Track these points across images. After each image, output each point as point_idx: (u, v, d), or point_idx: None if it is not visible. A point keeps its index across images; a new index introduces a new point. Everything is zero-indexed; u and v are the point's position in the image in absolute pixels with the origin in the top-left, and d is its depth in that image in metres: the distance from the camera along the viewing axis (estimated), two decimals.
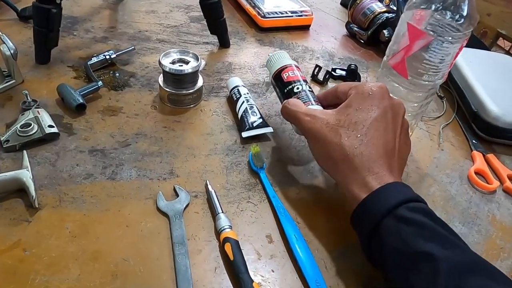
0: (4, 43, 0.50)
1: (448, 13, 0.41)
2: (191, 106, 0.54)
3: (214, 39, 0.70)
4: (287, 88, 0.48)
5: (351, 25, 0.81)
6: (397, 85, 0.48)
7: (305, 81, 0.48)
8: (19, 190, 0.38)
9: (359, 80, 0.66)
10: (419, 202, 0.34)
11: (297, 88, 0.47)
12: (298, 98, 0.46)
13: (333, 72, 0.66)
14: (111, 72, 0.59)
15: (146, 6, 0.80)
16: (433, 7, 0.41)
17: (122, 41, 0.67)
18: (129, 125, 0.49)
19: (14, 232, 0.35)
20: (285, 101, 0.45)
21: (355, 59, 0.73)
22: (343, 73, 0.66)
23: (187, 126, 0.51)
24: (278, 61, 0.51)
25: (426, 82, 0.45)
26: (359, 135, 0.37)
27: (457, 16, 0.41)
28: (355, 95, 0.39)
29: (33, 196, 0.37)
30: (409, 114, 0.49)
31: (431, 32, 0.41)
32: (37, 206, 0.37)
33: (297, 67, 0.50)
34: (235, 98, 0.54)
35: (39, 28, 0.54)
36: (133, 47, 0.62)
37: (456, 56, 0.43)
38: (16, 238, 0.35)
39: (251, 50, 0.71)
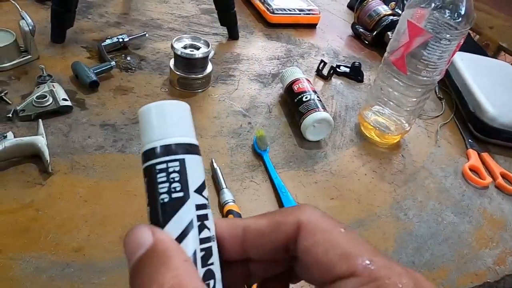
0: (24, 19, 0.52)
1: (447, 11, 0.43)
2: (200, 90, 0.56)
3: (224, 30, 0.73)
4: (297, 98, 0.52)
5: (357, 26, 0.83)
6: (397, 80, 0.50)
7: (314, 91, 0.53)
8: (34, 156, 0.40)
9: (362, 78, 0.68)
10: None
11: (306, 98, 0.52)
12: (306, 105, 0.51)
13: (337, 68, 0.68)
14: (123, 55, 0.61)
15: None
16: (432, 5, 0.44)
17: (134, 27, 0.69)
18: (140, 104, 0.51)
19: (28, 194, 0.37)
20: None
21: (359, 58, 0.76)
22: (347, 70, 0.68)
23: (195, 109, 0.53)
24: (290, 75, 0.56)
25: (425, 78, 0.47)
26: None
27: (455, 15, 0.43)
28: None
29: (47, 160, 0.38)
30: (408, 109, 0.52)
31: (430, 30, 0.44)
32: (50, 171, 0.39)
33: (307, 80, 0.55)
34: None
35: (57, 8, 0.56)
36: (145, 33, 0.64)
37: (454, 53, 0.45)
38: (29, 199, 0.37)
39: (259, 44, 0.73)
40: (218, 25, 0.72)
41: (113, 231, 0.36)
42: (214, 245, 0.17)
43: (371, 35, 0.79)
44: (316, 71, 0.67)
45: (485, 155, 0.56)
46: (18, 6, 0.53)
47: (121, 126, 0.47)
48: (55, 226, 0.35)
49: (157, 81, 0.56)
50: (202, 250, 0.16)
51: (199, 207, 0.17)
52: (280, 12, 0.79)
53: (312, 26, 0.84)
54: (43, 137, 0.40)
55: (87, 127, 0.46)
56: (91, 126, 0.46)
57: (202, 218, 0.17)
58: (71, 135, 0.44)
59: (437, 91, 0.69)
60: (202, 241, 0.16)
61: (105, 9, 0.72)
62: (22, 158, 0.40)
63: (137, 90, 0.54)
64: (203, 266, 0.16)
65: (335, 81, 0.67)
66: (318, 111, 0.50)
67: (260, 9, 0.81)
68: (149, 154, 0.17)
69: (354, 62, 0.68)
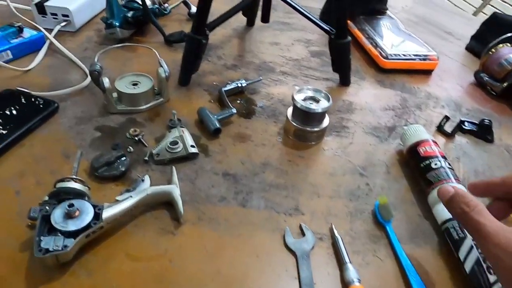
0: (162, 66, 0.57)
1: None
2: (313, 143, 0.55)
3: (334, 76, 0.71)
4: (424, 163, 0.48)
5: (482, 74, 0.75)
6: None
7: (443, 157, 0.48)
8: (166, 202, 0.43)
9: (492, 138, 0.61)
10: None
11: (435, 164, 0.47)
12: (436, 174, 0.46)
13: (462, 125, 0.61)
14: (239, 99, 0.63)
15: (270, 37, 0.85)
16: None
17: (249, 70, 0.71)
18: (257, 154, 0.52)
19: (162, 242, 0.39)
20: (460, 195, 0.33)
21: (485, 112, 0.68)
22: (474, 127, 0.61)
23: (311, 163, 0.52)
24: (414, 134, 0.52)
25: None
26: None
27: None
28: None
29: (181, 212, 0.41)
30: None
31: None
32: (182, 221, 0.41)
33: (434, 142, 0.51)
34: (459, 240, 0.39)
35: (189, 55, 0.61)
36: (261, 78, 0.66)
37: None
38: (163, 247, 0.39)
39: (371, 91, 0.70)
40: (328, 69, 0.71)
41: None
42: None
43: (501, 85, 0.71)
44: (437, 127, 0.61)
45: None
46: (157, 54, 0.59)
47: (241, 177, 0.48)
48: (185, 280, 0.36)
49: (272, 130, 0.57)
50: None
51: None
52: (395, 57, 0.76)
53: (427, 72, 0.78)
54: (177, 187, 0.43)
55: (211, 175, 0.48)
56: (214, 174, 0.48)
57: None
58: (197, 183, 0.47)
59: None
60: None
61: (222, 51, 0.77)
62: (157, 205, 0.43)
63: (254, 138, 0.55)
64: None
65: (459, 139, 0.60)
66: (451, 182, 0.45)
67: (372, 53, 0.78)
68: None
69: (484, 119, 0.61)
